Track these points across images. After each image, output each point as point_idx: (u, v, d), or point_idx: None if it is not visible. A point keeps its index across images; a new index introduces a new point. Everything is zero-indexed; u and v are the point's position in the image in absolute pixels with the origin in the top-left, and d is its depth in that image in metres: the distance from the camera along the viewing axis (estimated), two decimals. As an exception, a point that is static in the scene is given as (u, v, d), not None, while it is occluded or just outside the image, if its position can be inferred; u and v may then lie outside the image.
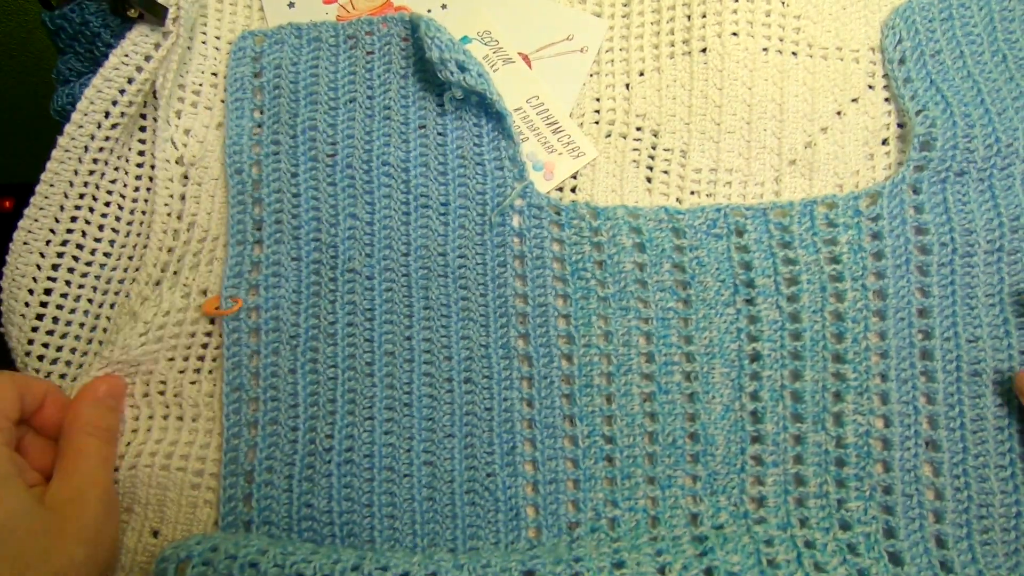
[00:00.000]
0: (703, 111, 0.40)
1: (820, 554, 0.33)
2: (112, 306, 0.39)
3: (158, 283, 0.39)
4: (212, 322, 0.38)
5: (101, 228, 0.40)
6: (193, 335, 0.38)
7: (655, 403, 0.36)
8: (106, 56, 0.39)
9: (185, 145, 0.41)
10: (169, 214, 0.40)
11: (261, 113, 0.40)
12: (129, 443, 0.36)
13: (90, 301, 0.39)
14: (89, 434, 0.34)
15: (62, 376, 0.38)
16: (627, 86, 0.41)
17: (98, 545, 0.32)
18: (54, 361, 0.38)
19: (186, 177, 0.40)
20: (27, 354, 0.38)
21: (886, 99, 0.40)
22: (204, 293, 0.38)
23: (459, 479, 0.36)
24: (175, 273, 0.39)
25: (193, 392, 0.37)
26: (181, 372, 0.37)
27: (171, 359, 0.38)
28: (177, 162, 0.40)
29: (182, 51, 0.40)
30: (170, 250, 0.39)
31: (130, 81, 0.39)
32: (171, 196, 0.40)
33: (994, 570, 0.34)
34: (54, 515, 0.31)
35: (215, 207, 0.40)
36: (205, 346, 0.38)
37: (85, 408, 0.35)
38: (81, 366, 0.39)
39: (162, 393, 0.37)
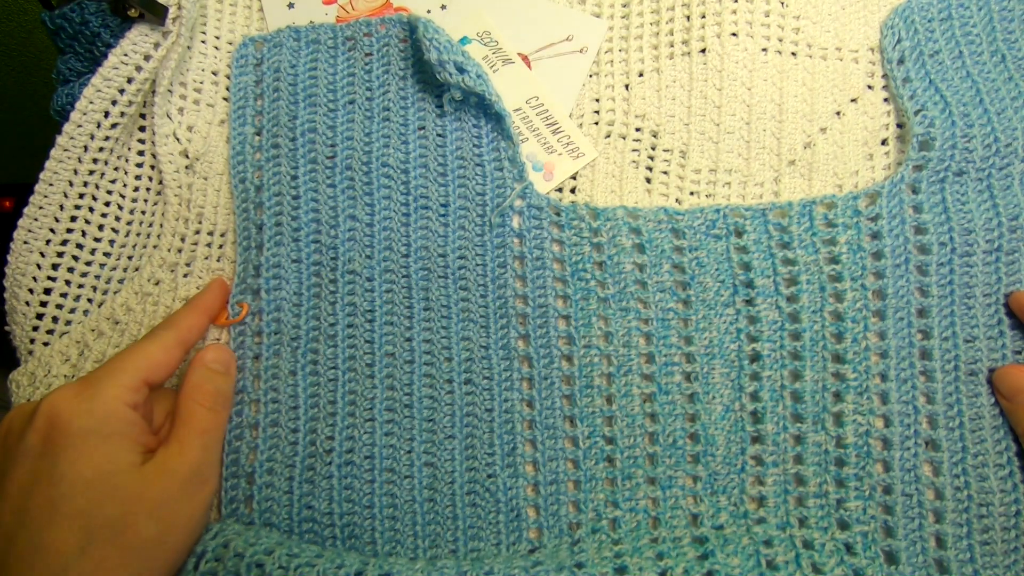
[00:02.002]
0: (702, 112, 0.40)
1: (818, 555, 0.34)
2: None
3: (172, 269, 0.39)
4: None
5: (101, 228, 0.40)
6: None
7: (655, 404, 0.36)
8: (106, 56, 0.39)
9: (189, 140, 0.41)
10: (180, 204, 0.40)
11: (261, 117, 0.40)
12: None
13: (90, 301, 0.39)
14: (197, 401, 0.34)
15: (65, 376, 0.38)
16: (626, 87, 0.41)
17: (171, 525, 0.31)
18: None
19: (188, 168, 0.40)
20: (30, 353, 0.38)
21: (885, 99, 0.40)
22: None
23: (460, 480, 0.36)
24: (188, 264, 0.39)
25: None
26: None
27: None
28: (182, 155, 0.41)
29: (182, 50, 0.40)
30: (183, 238, 0.40)
31: (130, 81, 0.39)
32: (179, 186, 0.40)
33: (992, 569, 0.34)
34: (139, 482, 0.30)
35: (220, 201, 0.40)
36: (217, 339, 0.38)
37: (192, 376, 0.35)
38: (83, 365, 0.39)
39: (175, 387, 0.37)
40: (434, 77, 0.38)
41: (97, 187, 0.39)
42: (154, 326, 0.36)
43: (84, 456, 0.30)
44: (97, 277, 0.39)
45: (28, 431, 0.31)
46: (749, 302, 0.37)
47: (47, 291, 0.38)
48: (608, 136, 0.41)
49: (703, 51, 0.41)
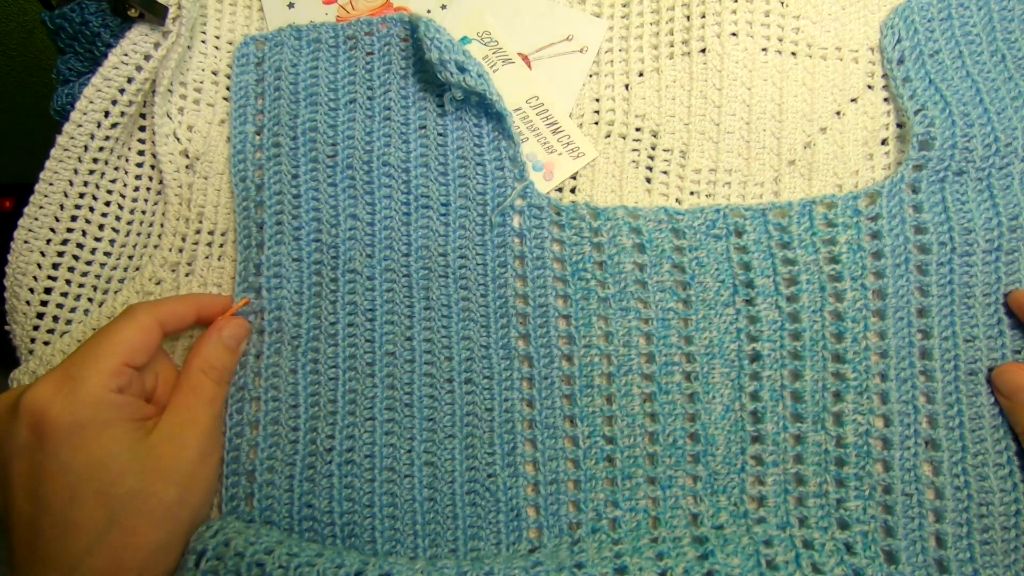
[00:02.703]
0: (702, 111, 0.40)
1: (818, 554, 0.34)
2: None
3: (174, 269, 0.39)
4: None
5: (101, 228, 0.40)
6: None
7: (655, 403, 0.36)
8: (106, 56, 0.39)
9: (189, 140, 0.41)
10: (181, 203, 0.40)
11: (262, 116, 0.40)
12: None
13: (90, 300, 0.39)
14: (203, 372, 0.35)
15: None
16: (626, 87, 0.41)
17: (191, 487, 0.32)
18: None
19: (189, 168, 0.40)
20: (31, 352, 0.38)
21: (885, 99, 0.40)
22: (219, 287, 0.39)
23: (460, 480, 0.36)
24: (189, 264, 0.39)
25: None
26: None
27: (187, 347, 0.38)
28: (182, 154, 0.41)
29: (182, 50, 0.40)
30: (184, 237, 0.40)
31: (130, 80, 0.39)
32: (180, 186, 0.40)
33: (992, 569, 0.34)
34: (151, 453, 0.31)
35: (220, 201, 0.40)
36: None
37: (205, 346, 0.35)
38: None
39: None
40: (435, 76, 0.38)
41: (97, 187, 0.39)
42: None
43: (86, 444, 0.30)
44: (98, 277, 0.39)
45: (15, 426, 0.31)
46: (749, 302, 0.37)
47: (47, 291, 0.38)
48: (608, 136, 0.41)
49: (703, 51, 0.41)
